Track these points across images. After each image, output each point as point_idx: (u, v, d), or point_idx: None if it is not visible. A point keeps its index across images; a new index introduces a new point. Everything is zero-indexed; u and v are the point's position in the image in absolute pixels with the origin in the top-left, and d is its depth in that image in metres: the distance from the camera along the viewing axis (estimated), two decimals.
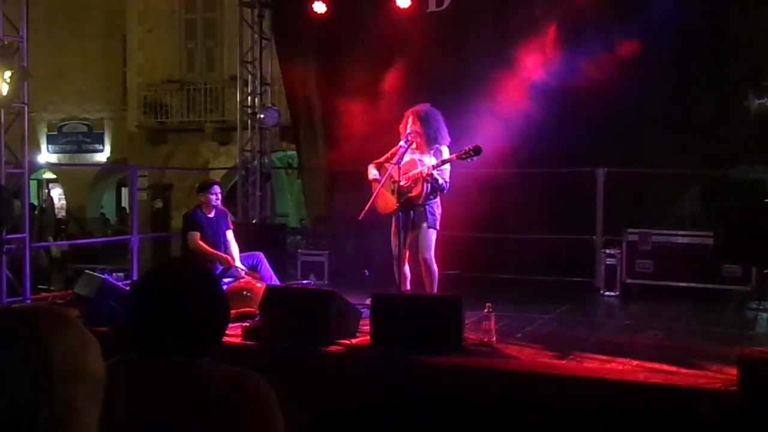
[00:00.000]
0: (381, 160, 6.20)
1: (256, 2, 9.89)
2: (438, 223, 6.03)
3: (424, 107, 6.06)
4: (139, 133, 17.60)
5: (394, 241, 6.08)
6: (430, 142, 5.96)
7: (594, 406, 4.13)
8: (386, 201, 6.05)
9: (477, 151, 5.68)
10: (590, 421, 4.10)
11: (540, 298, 7.21)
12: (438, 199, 6.05)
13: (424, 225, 5.97)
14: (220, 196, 6.99)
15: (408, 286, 6.12)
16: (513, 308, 6.36)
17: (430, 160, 5.92)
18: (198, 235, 6.77)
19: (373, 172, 6.20)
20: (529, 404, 4.28)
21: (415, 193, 5.91)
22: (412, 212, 6.02)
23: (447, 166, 5.92)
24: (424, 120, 5.97)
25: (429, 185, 5.87)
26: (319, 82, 9.65)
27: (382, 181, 6.03)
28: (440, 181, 5.87)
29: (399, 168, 5.86)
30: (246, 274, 6.70)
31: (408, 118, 6.06)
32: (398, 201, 5.91)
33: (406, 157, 5.97)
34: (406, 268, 6.13)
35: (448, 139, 6.02)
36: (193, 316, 1.70)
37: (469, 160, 5.74)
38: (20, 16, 6.98)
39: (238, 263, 6.82)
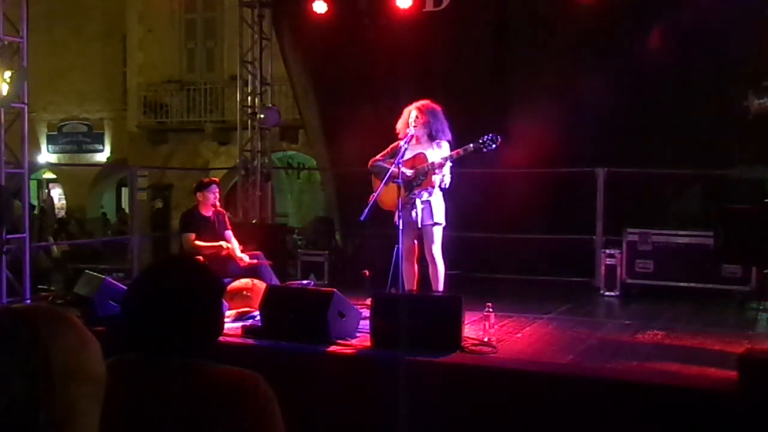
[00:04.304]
0: (379, 157, 6.18)
1: (256, 2, 9.89)
2: (442, 217, 6.02)
3: (426, 102, 6.06)
4: (139, 133, 17.61)
5: (403, 239, 6.08)
6: (431, 136, 5.96)
7: (594, 406, 4.13)
8: (391, 196, 6.03)
9: (494, 139, 5.71)
10: (590, 421, 4.10)
11: (540, 298, 7.21)
12: (440, 194, 6.04)
13: (429, 221, 5.97)
14: (218, 194, 6.99)
15: (414, 285, 6.11)
16: (513, 308, 6.36)
17: (433, 154, 5.92)
18: (193, 236, 6.76)
19: (374, 169, 6.18)
20: (529, 404, 4.28)
21: (425, 185, 5.93)
22: (414, 210, 6.00)
23: (448, 161, 5.93)
24: (427, 114, 5.97)
25: (439, 177, 5.90)
26: (320, 82, 9.67)
27: (385, 179, 6.01)
28: (446, 176, 5.90)
29: (399, 169, 5.86)
30: (250, 261, 6.73)
31: (409, 113, 6.05)
32: (406, 194, 5.91)
33: (410, 152, 5.98)
34: (414, 265, 6.13)
35: (449, 135, 6.01)
36: (190, 315, 1.70)
37: (486, 149, 5.77)
38: (20, 16, 6.98)
39: (240, 255, 6.83)
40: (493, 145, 5.77)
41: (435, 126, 5.96)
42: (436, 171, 5.85)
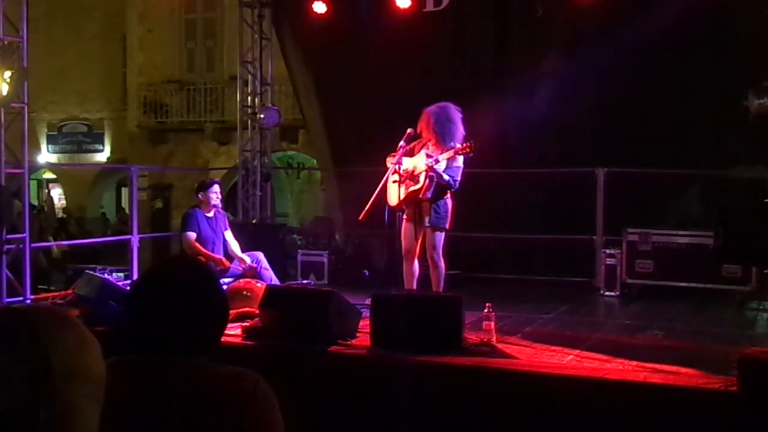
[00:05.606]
0: (395, 153, 6.13)
1: (256, 2, 9.89)
2: (445, 222, 5.95)
3: (439, 105, 5.98)
4: (139, 133, 17.61)
5: (403, 241, 6.08)
6: (444, 140, 5.87)
7: (594, 406, 4.13)
8: (394, 194, 6.03)
9: (472, 147, 5.69)
10: (590, 421, 4.10)
11: (540, 298, 7.22)
12: (447, 198, 5.97)
13: (428, 224, 5.95)
14: (220, 195, 6.97)
15: (414, 285, 6.09)
16: (513, 308, 6.36)
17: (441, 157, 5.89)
18: (194, 235, 6.75)
19: (390, 165, 6.14)
20: (529, 404, 4.28)
21: (416, 187, 5.89)
22: (419, 210, 5.99)
23: (459, 164, 5.86)
24: (437, 118, 5.91)
25: (431, 181, 5.83)
26: (320, 83, 9.68)
27: (386, 177, 6.01)
28: (446, 177, 5.78)
29: (398, 168, 5.86)
30: (250, 264, 6.72)
31: (425, 116, 5.99)
32: (404, 195, 5.89)
33: (420, 152, 5.96)
34: (415, 265, 6.11)
35: (457, 139, 5.88)
36: (191, 315, 1.70)
37: (465, 155, 5.77)
38: (20, 16, 6.97)
39: (241, 255, 6.82)
40: (471, 152, 5.74)
41: (444, 129, 5.88)
42: (430, 174, 5.82)
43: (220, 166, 15.57)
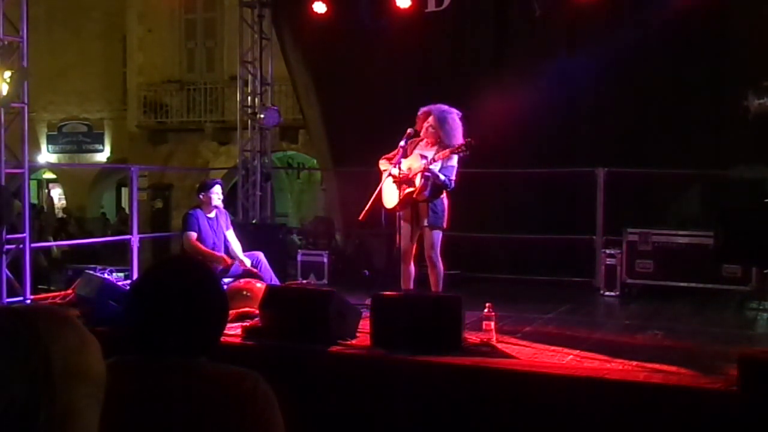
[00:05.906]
0: (390, 155, 6.13)
1: (256, 2, 9.89)
2: (443, 221, 5.95)
3: (442, 109, 5.97)
4: (139, 133, 17.61)
5: (401, 240, 6.08)
6: (444, 141, 5.87)
7: (594, 406, 4.13)
8: (391, 196, 6.03)
9: (468, 146, 5.69)
10: (590, 421, 4.10)
11: (540, 298, 7.21)
12: (443, 197, 5.98)
13: (426, 223, 5.95)
14: (222, 195, 6.94)
15: (411, 285, 6.10)
16: (513, 308, 6.36)
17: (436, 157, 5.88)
18: (194, 235, 6.73)
19: (384, 167, 6.15)
20: (529, 404, 4.28)
21: (412, 189, 5.89)
22: (416, 210, 5.99)
23: (453, 163, 5.86)
24: (442, 122, 5.90)
25: (427, 181, 5.83)
26: (320, 83, 9.68)
27: (384, 178, 6.02)
28: (442, 177, 5.77)
29: (399, 167, 5.86)
30: (249, 267, 6.71)
31: (425, 114, 6.01)
32: (401, 197, 5.90)
33: (418, 153, 5.96)
34: (412, 266, 6.11)
35: (456, 141, 5.86)
36: (191, 315, 1.70)
37: (461, 154, 5.76)
38: (20, 16, 6.97)
39: (241, 257, 6.81)
40: (467, 151, 5.75)
41: (446, 134, 5.86)
42: (426, 175, 5.81)
43: (220, 166, 15.57)
